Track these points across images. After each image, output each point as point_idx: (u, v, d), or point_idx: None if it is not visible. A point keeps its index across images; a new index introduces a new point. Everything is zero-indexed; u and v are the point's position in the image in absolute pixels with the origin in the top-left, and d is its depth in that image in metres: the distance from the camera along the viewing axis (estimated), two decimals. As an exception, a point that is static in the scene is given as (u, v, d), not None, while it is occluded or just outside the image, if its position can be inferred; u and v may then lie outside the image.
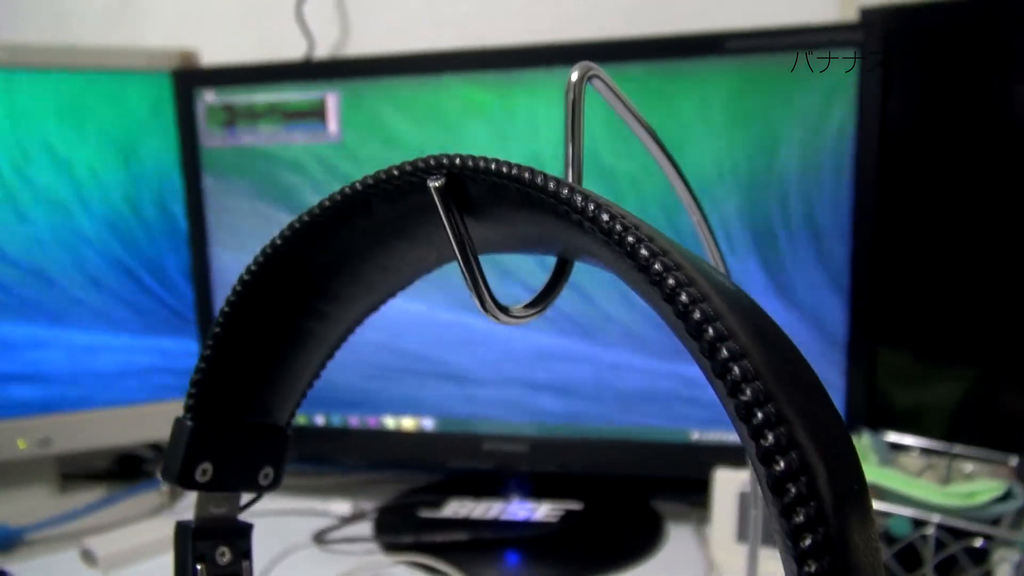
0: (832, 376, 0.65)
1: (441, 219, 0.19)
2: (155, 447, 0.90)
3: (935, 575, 0.52)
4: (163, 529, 0.74)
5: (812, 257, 0.65)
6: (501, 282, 0.70)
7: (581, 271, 0.67)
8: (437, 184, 0.19)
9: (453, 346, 0.72)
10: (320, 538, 0.73)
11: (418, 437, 0.74)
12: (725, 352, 0.14)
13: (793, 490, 0.13)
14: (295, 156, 0.73)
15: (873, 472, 0.55)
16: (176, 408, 0.78)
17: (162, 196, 0.78)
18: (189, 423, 0.24)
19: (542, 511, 0.74)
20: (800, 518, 0.13)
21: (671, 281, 0.15)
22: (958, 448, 0.61)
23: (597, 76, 0.23)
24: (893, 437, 0.64)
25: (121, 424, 0.79)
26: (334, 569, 0.67)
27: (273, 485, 0.27)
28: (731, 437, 0.69)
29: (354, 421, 0.76)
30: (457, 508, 0.74)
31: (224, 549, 0.25)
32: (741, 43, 0.62)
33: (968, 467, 0.61)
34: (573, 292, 0.69)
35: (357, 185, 0.21)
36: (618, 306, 0.68)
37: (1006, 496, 0.52)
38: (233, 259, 0.76)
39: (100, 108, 0.74)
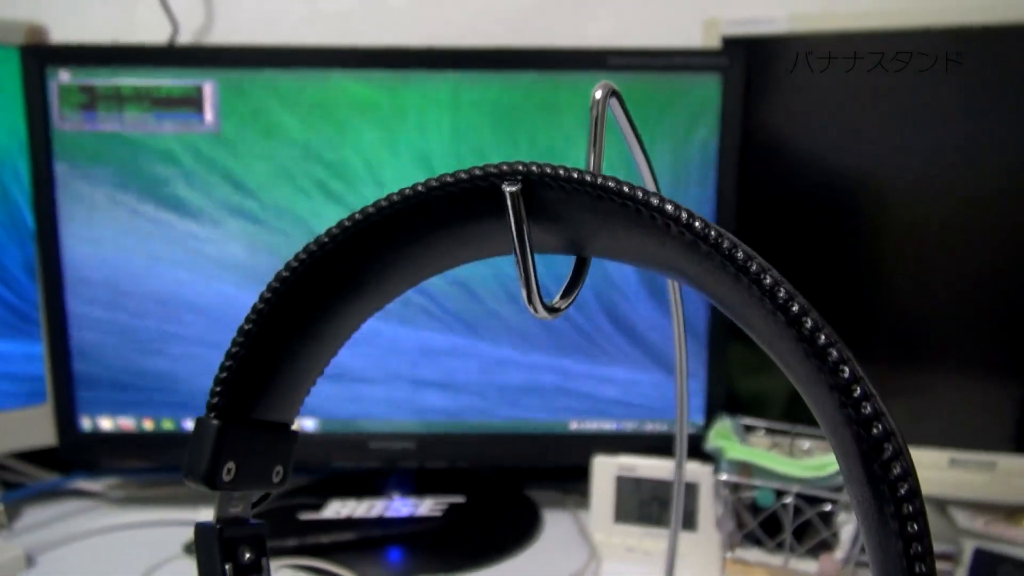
0: (695, 367, 0.72)
1: (509, 222, 0.21)
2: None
3: (793, 539, 0.59)
4: (7, 552, 0.66)
5: (679, 259, 0.71)
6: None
7: (466, 270, 0.69)
8: (513, 189, 0.20)
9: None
10: (192, 548, 0.70)
11: (300, 439, 0.73)
12: (847, 373, 0.17)
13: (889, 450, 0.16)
14: (166, 146, 0.68)
15: (741, 451, 0.61)
16: (17, 416, 0.70)
17: (2, 182, 0.70)
18: (215, 422, 0.23)
19: (425, 506, 0.75)
20: (897, 470, 0.16)
21: (795, 308, 0.18)
22: (798, 428, 0.70)
23: (616, 95, 0.25)
24: (744, 421, 0.72)
25: (-51, 437, 0.70)
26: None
27: (283, 483, 0.27)
28: (607, 426, 0.73)
29: (229, 424, 0.72)
30: (339, 508, 0.74)
31: (245, 548, 0.24)
32: (622, 60, 0.67)
33: (806, 444, 0.69)
34: (458, 289, 0.71)
35: (420, 187, 0.22)
36: (503, 303, 0.71)
37: (848, 466, 0.60)
38: (87, 253, 0.70)
39: (-72, 81, 0.66)
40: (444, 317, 0.71)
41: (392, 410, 0.72)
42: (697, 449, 0.69)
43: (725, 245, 0.19)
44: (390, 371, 0.72)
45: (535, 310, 0.22)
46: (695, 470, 0.67)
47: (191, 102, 0.68)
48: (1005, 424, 0.70)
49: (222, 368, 0.24)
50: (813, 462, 0.61)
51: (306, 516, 0.72)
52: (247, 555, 0.24)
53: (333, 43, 0.68)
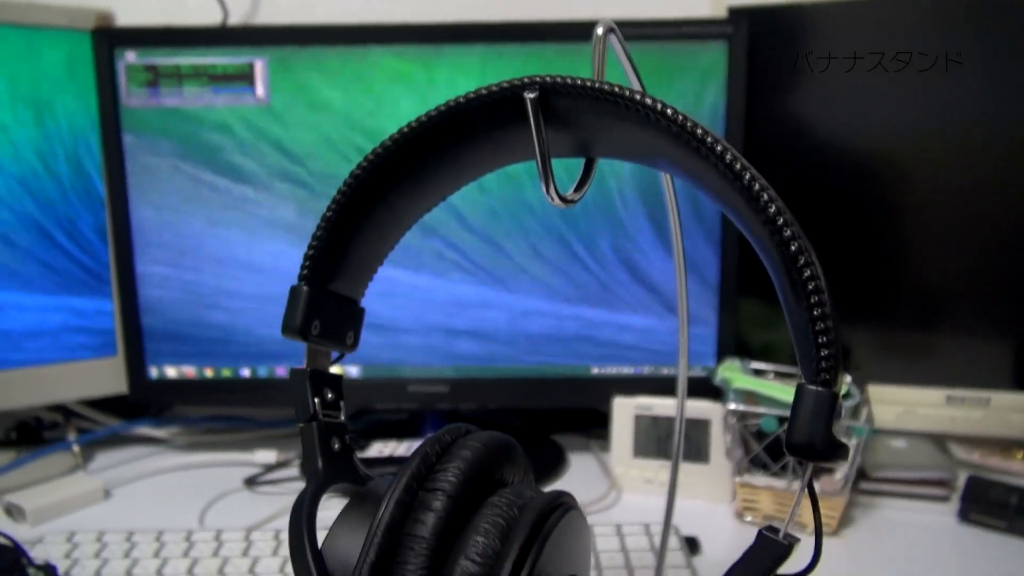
0: (706, 313, 0.78)
1: (530, 122, 0.27)
2: (60, 409, 0.89)
3: (795, 461, 0.65)
4: (83, 485, 0.74)
5: (691, 215, 0.77)
6: (425, 240, 0.77)
7: (494, 229, 0.75)
8: (532, 96, 0.27)
9: (378, 297, 0.78)
10: (250, 482, 0.77)
11: (345, 383, 0.80)
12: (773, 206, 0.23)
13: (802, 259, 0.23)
14: (221, 118, 0.76)
15: (746, 381, 0.67)
16: (91, 367, 0.79)
17: (76, 154, 0.78)
18: (305, 288, 0.30)
19: (459, 446, 0.82)
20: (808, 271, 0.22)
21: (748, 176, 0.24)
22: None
23: (614, 32, 0.31)
24: (754, 364, 0.77)
25: (33, 383, 0.78)
26: (266, 509, 0.72)
27: (354, 346, 0.33)
28: (626, 370, 0.80)
29: (281, 371, 0.80)
30: (381, 448, 0.81)
31: (327, 390, 0.31)
32: (633, 31, 0.73)
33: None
34: (488, 245, 0.77)
35: (460, 99, 0.28)
36: (529, 258, 0.77)
37: (846, 395, 0.66)
38: (153, 217, 0.77)
39: (12, 64, 0.73)
40: (475, 271, 0.78)
41: (428, 357, 0.79)
42: (708, 390, 0.75)
43: (688, 125, 0.25)
44: (426, 321, 0.78)
45: (552, 199, 0.29)
46: (706, 407, 0.73)
47: (244, 78, 0.75)
48: (1000, 363, 0.75)
49: (309, 247, 0.30)
50: (813, 391, 0.66)
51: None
52: (329, 395, 0.31)
53: (370, 21, 0.75)
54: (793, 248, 0.23)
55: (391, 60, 0.74)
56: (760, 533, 0.24)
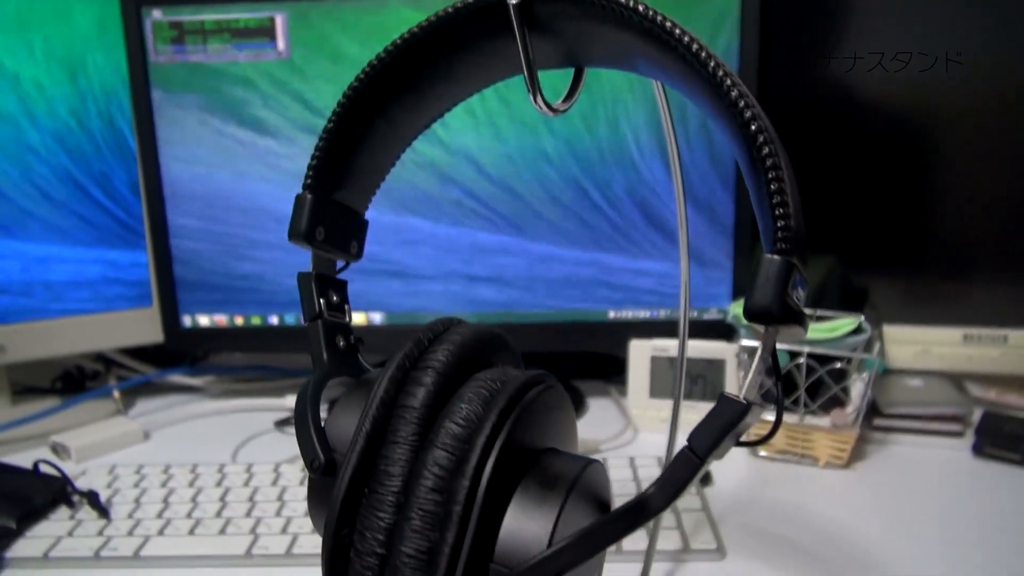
0: (722, 258, 0.79)
1: (515, 30, 0.28)
2: (101, 358, 0.94)
3: (807, 396, 0.66)
4: (123, 427, 0.78)
5: (706, 160, 0.77)
6: (443, 189, 0.79)
7: (511, 176, 0.77)
8: (515, 1, 0.28)
9: (399, 246, 0.80)
10: (281, 424, 0.81)
11: (368, 331, 0.83)
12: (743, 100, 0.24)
13: (761, 138, 0.24)
14: (244, 72, 0.78)
15: (759, 319, 0.68)
16: (128, 316, 0.82)
17: (108, 111, 0.81)
18: (309, 195, 0.32)
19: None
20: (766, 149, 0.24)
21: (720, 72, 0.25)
22: (819, 311, 0.76)
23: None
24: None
25: (75, 332, 0.82)
26: (295, 447, 0.75)
27: (358, 255, 0.35)
28: (642, 314, 0.81)
29: (307, 318, 0.83)
30: (405, 392, 0.83)
31: (333, 293, 0.33)
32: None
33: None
34: (506, 193, 0.79)
35: (448, 8, 0.29)
36: (547, 205, 0.79)
37: (858, 330, 0.67)
38: (183, 170, 0.80)
39: (46, 24, 0.76)
40: (494, 218, 0.80)
41: (449, 303, 0.81)
42: (724, 332, 0.76)
43: (658, 19, 0.26)
44: (446, 269, 0.80)
45: (539, 108, 0.30)
46: (721, 348, 0.75)
47: (265, 32, 0.77)
48: (1017, 301, 0.74)
49: (312, 158, 0.32)
50: (825, 326, 0.67)
51: (377, 399, 0.82)
52: (334, 297, 0.33)
53: (387, -27, 0.76)
54: (753, 128, 0.24)
55: (408, 12, 0.76)
56: (720, 396, 0.26)
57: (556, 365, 0.94)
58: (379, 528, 0.24)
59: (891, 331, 0.77)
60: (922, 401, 0.73)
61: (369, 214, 0.81)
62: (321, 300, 0.32)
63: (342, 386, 0.32)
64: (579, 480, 0.26)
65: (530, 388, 0.26)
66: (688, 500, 0.60)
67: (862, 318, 0.68)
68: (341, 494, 0.25)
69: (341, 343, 0.33)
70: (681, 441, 0.26)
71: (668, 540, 0.55)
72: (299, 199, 0.32)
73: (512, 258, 0.80)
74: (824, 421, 0.67)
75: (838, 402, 0.66)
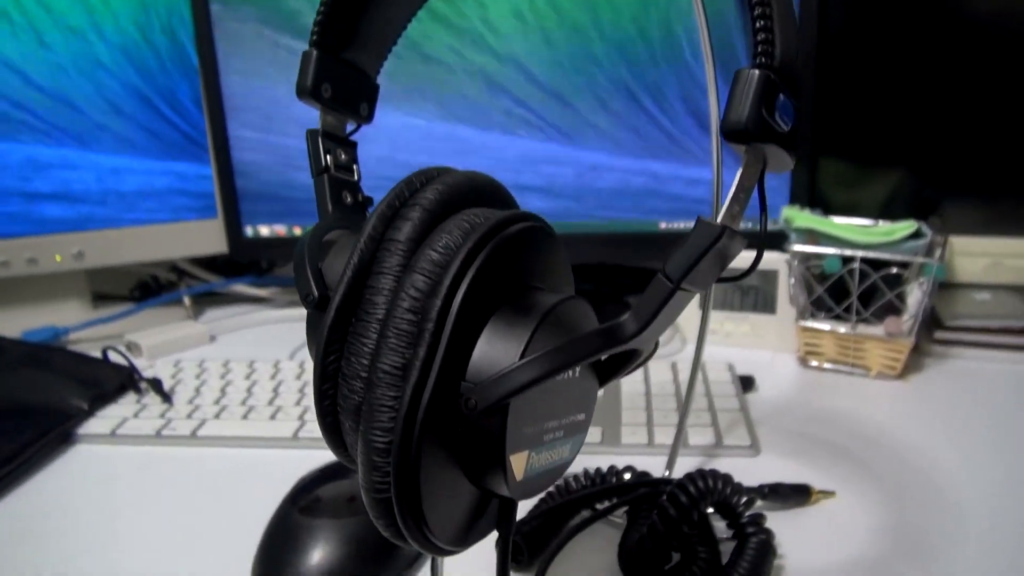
0: (780, 166, 0.76)
1: None
2: (175, 269, 0.98)
3: (859, 304, 0.64)
4: (191, 329, 0.83)
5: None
6: (492, 97, 0.78)
7: (561, 83, 0.75)
8: None
9: (449, 156, 0.80)
10: (337, 330, 0.83)
11: (420, 240, 0.84)
12: None
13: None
14: (298, -18, 0.79)
15: (808, 219, 0.65)
16: (194, 227, 0.85)
17: (171, 25, 0.83)
18: (315, 51, 0.32)
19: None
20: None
21: None
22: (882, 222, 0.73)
23: None
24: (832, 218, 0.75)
25: (146, 241, 0.86)
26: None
27: (369, 118, 0.36)
28: (692, 225, 0.79)
29: (362, 229, 0.85)
30: (456, 303, 0.85)
31: (341, 152, 0.34)
32: None
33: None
34: (555, 100, 0.78)
35: None
36: (597, 112, 0.77)
37: (917, 234, 0.63)
38: (241, 83, 0.82)
39: (110, -62, 0.79)
40: (543, 127, 0.79)
41: (499, 214, 0.81)
42: (778, 243, 0.73)
43: None
44: (495, 177, 0.80)
45: None
46: (774, 258, 0.72)
47: (317, -60, 0.77)
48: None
49: (317, 13, 0.33)
50: (881, 229, 0.64)
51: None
52: (343, 156, 0.34)
53: None
54: None
55: (456, -88, 0.74)
56: (697, 220, 0.25)
57: (610, 280, 0.94)
58: (363, 353, 0.25)
59: (960, 243, 0.73)
60: (989, 314, 0.69)
61: (418, 123, 0.82)
62: (328, 156, 0.33)
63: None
64: (556, 309, 0.26)
65: (514, 223, 0.26)
66: (725, 400, 0.60)
67: (922, 223, 0.65)
68: (328, 322, 0.26)
69: (348, 199, 0.33)
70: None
71: (701, 435, 0.55)
72: (305, 55, 0.33)
73: (561, 167, 0.79)
74: (877, 330, 0.64)
75: (893, 310, 0.64)
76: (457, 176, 0.29)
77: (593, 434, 0.55)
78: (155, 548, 0.46)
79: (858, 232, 0.64)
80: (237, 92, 0.83)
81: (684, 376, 0.64)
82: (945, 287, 0.73)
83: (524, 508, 0.44)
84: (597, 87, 0.77)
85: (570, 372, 0.27)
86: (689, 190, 0.78)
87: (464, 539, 0.27)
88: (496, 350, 0.24)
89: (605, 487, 0.45)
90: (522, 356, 0.24)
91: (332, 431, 0.27)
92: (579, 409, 0.28)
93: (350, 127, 0.36)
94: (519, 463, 0.25)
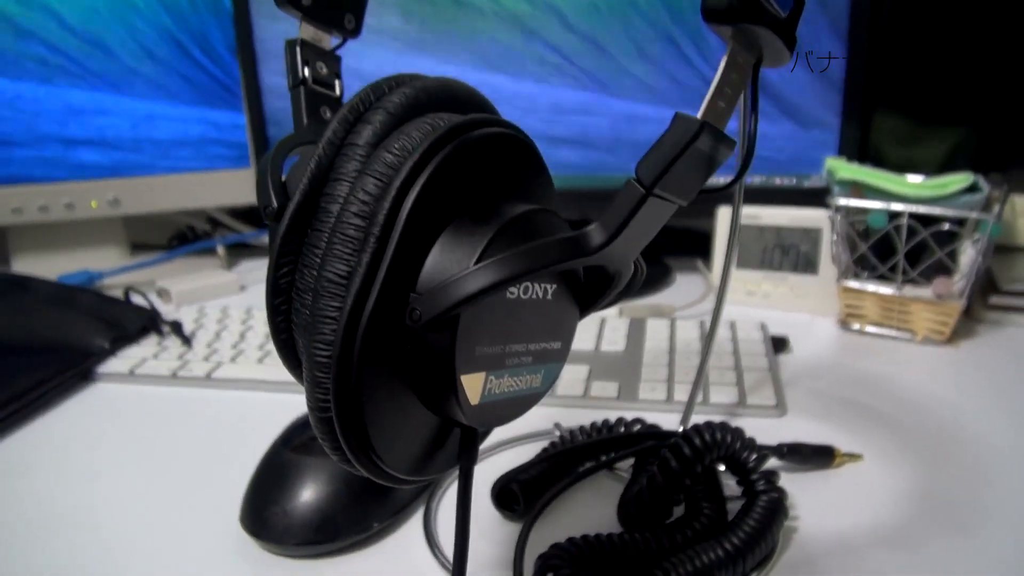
0: (828, 116, 0.71)
1: None
2: (212, 220, 0.99)
3: (906, 263, 0.59)
4: (221, 278, 0.83)
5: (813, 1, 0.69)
6: (526, 44, 0.75)
7: (597, 28, 0.72)
8: None
9: (480, 104, 0.78)
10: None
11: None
12: None
13: None
14: (329, -76, 0.77)
15: (852, 171, 0.61)
16: (228, 176, 0.84)
17: (205, -29, 0.83)
18: None
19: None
20: None
21: None
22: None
23: None
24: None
25: (180, 189, 0.87)
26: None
27: (356, 32, 0.34)
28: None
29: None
30: (485, 258, 0.83)
31: (321, 64, 0.32)
32: None
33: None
34: (591, 47, 0.74)
35: None
36: (634, 60, 0.74)
37: (972, 188, 0.59)
38: (274, 30, 0.81)
39: None
40: (577, 75, 0.75)
41: (530, 166, 0.79)
42: (823, 200, 0.69)
43: None
44: (527, 129, 0.77)
45: None
46: (816, 216, 0.68)
47: None
48: None
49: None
50: (933, 182, 0.59)
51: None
52: (323, 69, 0.32)
53: None
54: None
55: None
56: (675, 114, 0.23)
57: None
58: (314, 264, 0.23)
59: (1023, 202, 0.68)
60: (1052, 279, 0.64)
61: (449, 70, 0.79)
62: (306, 68, 0.31)
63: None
64: (521, 219, 0.23)
65: (481, 126, 0.24)
66: (753, 360, 0.56)
67: (980, 176, 0.60)
68: (280, 232, 0.24)
69: (328, 114, 0.31)
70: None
71: (724, 394, 0.52)
72: None
73: (595, 118, 0.76)
74: (925, 291, 0.60)
75: (943, 270, 0.59)
76: (428, 81, 0.26)
77: (609, 389, 0.53)
78: (159, 483, 0.45)
79: (907, 185, 0.59)
80: (269, 37, 0.82)
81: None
82: (1004, 250, 0.68)
83: (523, 457, 0.42)
84: (635, 32, 0.73)
85: (538, 292, 0.25)
86: (730, 143, 0.74)
87: (422, 469, 0.25)
88: (448, 260, 0.22)
89: (610, 437, 0.42)
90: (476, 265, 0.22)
91: (286, 349, 0.25)
92: (552, 336, 0.26)
93: (336, 40, 0.34)
94: (473, 386, 0.23)
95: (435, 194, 0.22)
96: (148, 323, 0.66)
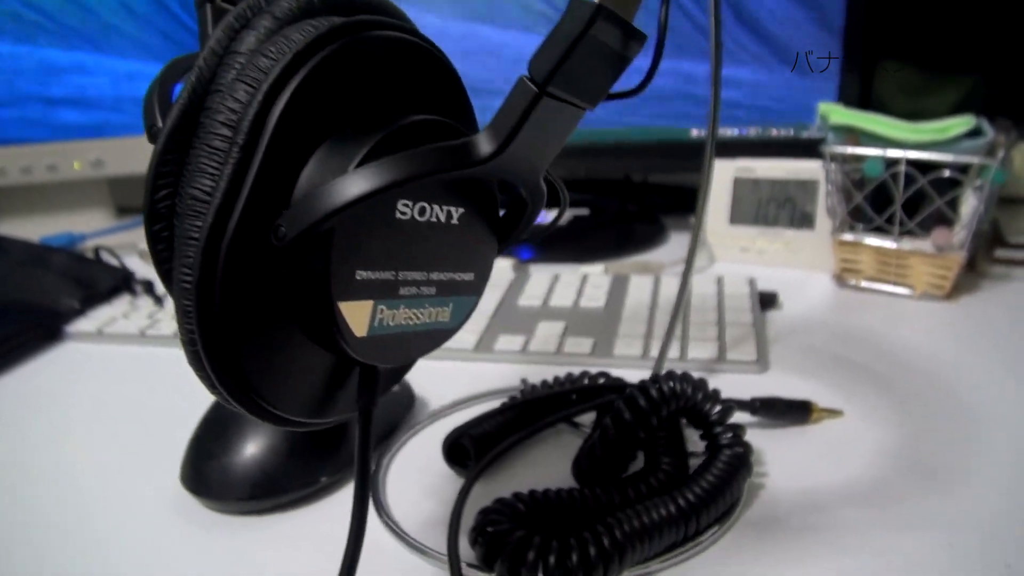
0: (826, 62, 0.67)
1: None
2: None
3: (903, 212, 0.56)
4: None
5: (815, -57, 0.65)
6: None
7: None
8: None
9: (465, 56, 0.75)
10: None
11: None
12: None
13: None
14: None
15: (847, 115, 0.57)
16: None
17: (183, -78, 0.80)
18: None
19: (552, 217, 0.79)
20: None
21: None
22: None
23: None
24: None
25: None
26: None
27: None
28: (729, 132, 0.72)
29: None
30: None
31: None
32: None
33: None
34: (579, -6, 0.71)
35: None
36: (622, 5, 0.70)
37: (975, 132, 0.55)
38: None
39: None
40: (564, 24, 0.72)
41: (517, 120, 0.76)
42: (816, 149, 0.66)
43: None
44: (513, 81, 0.74)
45: None
46: (813, 168, 0.65)
47: None
48: None
49: None
50: (933, 126, 0.56)
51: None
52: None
53: None
54: None
55: None
56: (569, 0, 0.20)
57: (640, 199, 0.87)
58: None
59: (1035, 151, 0.64)
60: (1063, 231, 0.60)
61: (434, 22, 0.76)
62: None
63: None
64: (409, 128, 0.21)
65: (372, 28, 0.21)
66: (737, 315, 0.54)
67: (983, 119, 0.56)
68: (157, 150, 0.22)
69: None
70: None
71: (702, 349, 0.49)
72: None
73: (584, 69, 0.73)
74: (924, 244, 0.56)
75: (943, 221, 0.56)
76: None
77: (583, 345, 0.51)
78: (118, 442, 0.44)
79: (905, 129, 0.56)
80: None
81: (698, 290, 0.58)
82: (1011, 202, 0.64)
83: (476, 411, 0.40)
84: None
85: (439, 215, 0.22)
86: (724, 92, 0.71)
87: (322, 411, 0.23)
88: (323, 173, 0.20)
89: (572, 390, 0.40)
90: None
91: (170, 280, 0.23)
92: (461, 266, 0.24)
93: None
94: (358, 315, 0.21)
95: (311, 101, 0.20)
96: (120, 283, 0.65)
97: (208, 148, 0.20)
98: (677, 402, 0.34)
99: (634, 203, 0.84)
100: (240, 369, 0.20)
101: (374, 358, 0.22)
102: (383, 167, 0.19)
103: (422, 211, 0.22)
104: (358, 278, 0.20)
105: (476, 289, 0.25)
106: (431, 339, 0.24)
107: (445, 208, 0.22)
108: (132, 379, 0.52)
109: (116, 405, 0.48)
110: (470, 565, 0.31)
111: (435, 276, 0.23)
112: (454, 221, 0.23)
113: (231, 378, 0.20)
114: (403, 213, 0.21)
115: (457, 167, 0.19)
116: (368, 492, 0.23)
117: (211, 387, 0.21)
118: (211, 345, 0.20)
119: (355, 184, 0.19)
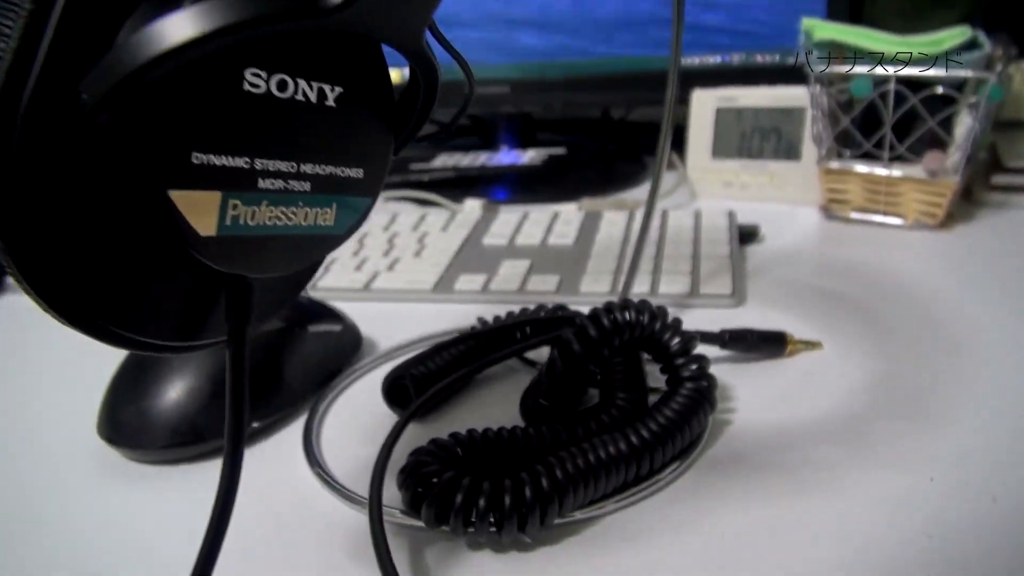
0: (816, -18, 0.63)
1: None
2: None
3: (893, 136, 0.52)
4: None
5: None
6: None
7: None
8: None
9: (430, -14, 0.70)
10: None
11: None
12: None
13: None
14: None
15: (831, 30, 0.53)
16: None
17: None
18: None
19: (527, 156, 0.75)
20: None
21: None
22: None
23: None
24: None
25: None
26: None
27: None
28: (711, 60, 0.68)
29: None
30: (446, 160, 0.76)
31: None
32: None
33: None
34: (548, -87, 0.66)
35: None
36: (595, -76, 0.65)
37: (971, 45, 0.51)
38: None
39: None
40: (534, -53, 0.68)
41: (487, 54, 0.72)
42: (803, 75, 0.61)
43: None
44: (485, 12, 0.70)
45: None
46: (799, 94, 0.61)
47: None
48: None
49: None
50: (925, 38, 0.51)
51: (417, 166, 0.76)
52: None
53: None
54: None
55: None
56: None
57: (618, 134, 0.83)
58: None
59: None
60: (1065, 154, 0.56)
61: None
62: None
63: None
64: None
65: None
66: (714, 248, 0.50)
67: (980, 31, 0.52)
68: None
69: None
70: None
71: (674, 284, 0.46)
72: None
73: (556, -5, 0.68)
74: (916, 169, 0.53)
75: (936, 143, 0.52)
76: None
77: (549, 282, 0.47)
78: (43, 391, 0.41)
79: (894, 43, 0.51)
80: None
81: (674, 224, 0.55)
82: (1010, 126, 0.60)
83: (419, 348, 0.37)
84: None
85: (308, 94, 0.19)
86: (704, 17, 0.66)
87: (191, 333, 0.20)
88: (143, 31, 0.16)
89: (522, 321, 0.37)
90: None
91: None
92: (347, 160, 0.20)
93: None
94: (201, 208, 0.17)
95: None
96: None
97: (4, 2, 0.16)
98: (632, 332, 0.31)
99: (613, 141, 0.80)
100: (53, 276, 0.17)
101: (236, 265, 0.19)
102: (198, 14, 0.15)
103: (281, 85, 0.18)
104: (195, 161, 0.17)
105: (367, 190, 0.22)
106: (312, 245, 0.20)
107: (315, 85, 0.19)
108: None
109: (54, 356, 0.45)
110: (402, 512, 0.28)
111: (308, 169, 0.19)
112: (329, 103, 0.19)
113: (46, 287, 0.17)
114: (255, 86, 0.17)
115: (294, 16, 0.16)
116: (242, 442, 0.20)
117: (43, 308, 0.18)
118: (15, 246, 0.16)
119: (164, 35, 0.15)
